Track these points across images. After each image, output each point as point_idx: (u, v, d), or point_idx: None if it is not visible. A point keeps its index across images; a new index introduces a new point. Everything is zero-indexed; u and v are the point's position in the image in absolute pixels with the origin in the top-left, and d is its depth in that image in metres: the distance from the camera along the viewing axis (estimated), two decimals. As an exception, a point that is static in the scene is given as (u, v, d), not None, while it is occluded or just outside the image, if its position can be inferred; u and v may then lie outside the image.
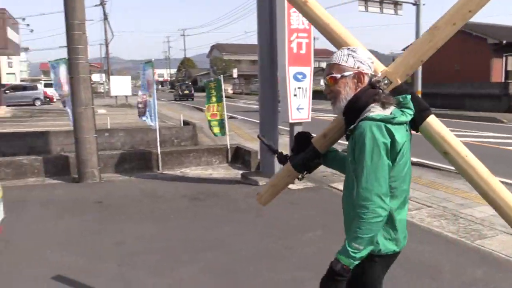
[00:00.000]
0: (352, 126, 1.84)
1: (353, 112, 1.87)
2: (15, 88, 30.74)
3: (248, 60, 61.80)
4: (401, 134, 1.80)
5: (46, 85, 32.74)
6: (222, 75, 10.77)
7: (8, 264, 4.09)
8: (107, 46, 38.57)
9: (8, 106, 24.27)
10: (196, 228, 5.14)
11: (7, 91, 28.28)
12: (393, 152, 1.78)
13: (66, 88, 8.44)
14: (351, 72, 1.87)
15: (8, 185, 7.97)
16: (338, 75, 1.88)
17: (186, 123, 13.89)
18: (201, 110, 23.70)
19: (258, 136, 2.62)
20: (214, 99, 9.73)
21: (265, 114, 7.69)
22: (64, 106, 8.83)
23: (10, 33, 20.75)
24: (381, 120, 1.77)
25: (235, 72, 51.36)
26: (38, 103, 29.25)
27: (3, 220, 4.06)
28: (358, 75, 1.88)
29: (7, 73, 54.34)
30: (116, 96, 26.90)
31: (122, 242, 4.67)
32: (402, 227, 1.93)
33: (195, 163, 9.45)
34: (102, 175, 8.22)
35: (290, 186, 6.00)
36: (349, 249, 1.74)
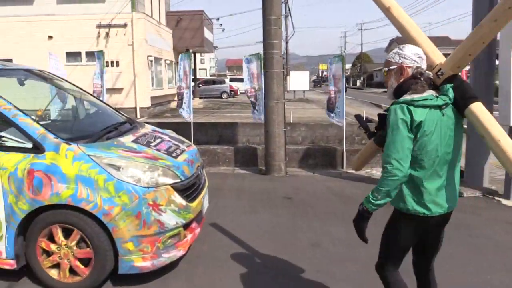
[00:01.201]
0: (387, 108, 2.29)
1: (397, 97, 2.29)
2: (206, 82, 34.35)
3: (430, 53, 56.60)
4: (422, 114, 2.16)
5: (231, 80, 35.80)
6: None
7: (210, 257, 4.20)
8: (287, 43, 40.05)
9: (200, 98, 27.17)
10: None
11: (200, 85, 31.77)
12: (412, 128, 2.16)
13: (257, 82, 8.70)
14: (395, 66, 2.31)
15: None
16: (387, 69, 2.36)
17: (368, 120, 13.19)
18: (380, 106, 22.60)
19: (355, 116, 2.97)
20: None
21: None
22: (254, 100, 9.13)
23: (206, 33, 22.98)
24: (403, 102, 2.18)
25: (414, 67, 47.69)
26: (224, 96, 32.09)
27: (206, 208, 4.18)
28: (401, 68, 2.30)
29: (200, 69, 61.70)
30: (294, 91, 27.69)
31: (317, 244, 4.42)
32: (434, 195, 2.25)
33: (381, 164, 8.79)
34: (287, 169, 8.27)
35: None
36: (370, 196, 2.24)
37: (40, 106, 4.51)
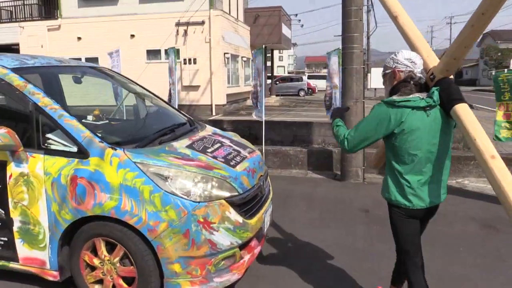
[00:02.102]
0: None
1: None
2: (284, 79, 33.94)
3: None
4: (403, 114, 2.39)
5: (309, 77, 35.03)
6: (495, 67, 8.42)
7: (271, 279, 3.68)
8: (368, 38, 38.30)
9: (277, 95, 26.80)
10: (501, 271, 3.73)
11: (277, 82, 31.43)
12: (389, 125, 2.42)
13: (336, 79, 8.02)
14: (389, 70, 2.55)
15: (273, 174, 8.17)
16: (383, 73, 2.63)
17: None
18: (471, 106, 20.54)
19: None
20: (507, 95, 7.63)
21: None
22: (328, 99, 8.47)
23: (284, 29, 22.50)
24: (386, 102, 2.45)
25: (512, 63, 43.42)
26: (302, 93, 31.46)
27: (269, 224, 3.67)
28: (394, 73, 2.52)
29: (278, 66, 61.40)
30: (375, 89, 26.27)
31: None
32: (416, 189, 2.47)
33: (475, 174, 7.67)
34: (365, 175, 7.51)
35: None
36: (332, 122, 2.84)
37: (101, 103, 4.30)
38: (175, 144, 3.24)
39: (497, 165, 2.12)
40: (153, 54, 17.60)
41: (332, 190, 6.70)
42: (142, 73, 16.25)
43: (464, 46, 2.32)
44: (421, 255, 2.69)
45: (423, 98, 2.40)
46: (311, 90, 32.66)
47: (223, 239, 2.86)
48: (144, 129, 3.64)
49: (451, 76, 2.54)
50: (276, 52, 68.74)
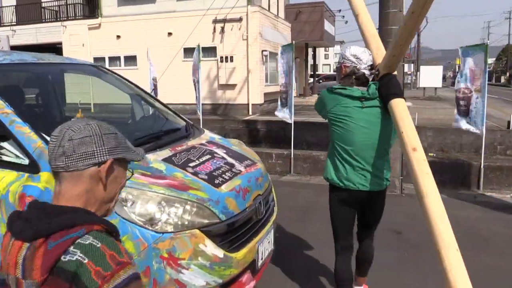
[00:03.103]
0: None
1: None
2: (327, 78, 32.87)
3: None
4: (336, 100, 2.65)
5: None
6: None
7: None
8: (418, 35, 36.45)
9: (319, 94, 25.91)
10: None
11: (320, 81, 30.46)
12: (326, 106, 2.72)
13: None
14: (339, 65, 2.76)
15: (301, 181, 7.50)
16: (335, 68, 3.04)
17: (517, 125, 10.64)
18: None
19: None
20: None
21: None
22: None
23: (326, 26, 21.61)
24: (327, 89, 2.75)
25: None
26: (345, 92, 30.28)
27: (270, 253, 3.05)
28: (341, 67, 2.73)
29: (323, 64, 59.90)
30: (424, 88, 24.75)
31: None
32: (349, 173, 2.67)
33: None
34: (404, 185, 6.68)
35: None
36: None
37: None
38: (151, 156, 2.69)
39: (417, 156, 2.19)
40: (190, 52, 17.27)
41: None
42: (179, 71, 15.98)
43: (399, 44, 2.35)
44: (349, 244, 2.90)
45: (359, 90, 2.58)
46: (356, 89, 31.32)
47: (196, 278, 2.27)
48: (127, 135, 3.11)
49: (395, 72, 2.62)
50: (321, 50, 67.24)
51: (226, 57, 16.68)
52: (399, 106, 2.40)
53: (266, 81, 17.97)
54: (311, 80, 27.52)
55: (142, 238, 2.20)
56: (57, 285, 0.95)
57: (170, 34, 17.28)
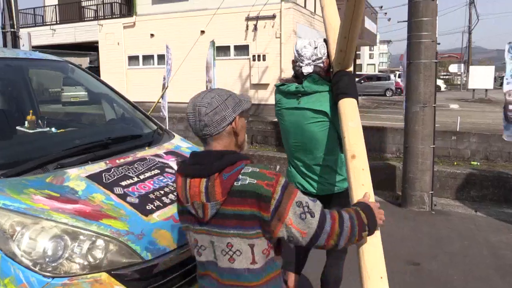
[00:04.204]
0: None
1: None
2: (369, 78, 31.54)
3: None
4: (278, 96, 2.51)
5: (400, 76, 32.12)
6: None
7: None
8: (469, 34, 34.22)
9: (359, 95, 24.80)
10: None
11: (362, 81, 29.23)
12: (276, 105, 2.57)
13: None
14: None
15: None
16: None
17: None
18: None
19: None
20: None
21: None
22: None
23: (367, 23, 20.57)
24: (276, 85, 2.57)
25: None
26: (389, 93, 28.92)
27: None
28: (292, 62, 2.53)
29: (368, 64, 57.83)
30: (473, 90, 23.03)
31: None
32: (292, 175, 2.56)
33: None
34: (435, 198, 5.85)
35: None
36: None
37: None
38: (74, 171, 2.15)
39: (355, 165, 1.99)
40: (222, 50, 16.88)
41: (390, 223, 5.15)
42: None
43: (344, 36, 2.07)
44: (291, 261, 2.70)
45: (294, 84, 2.42)
46: (399, 90, 29.83)
47: None
48: (62, 143, 2.59)
49: (350, 69, 2.30)
50: (366, 49, 64.80)
51: (259, 56, 16.12)
52: (346, 107, 2.12)
53: (301, 81, 17.26)
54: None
55: (27, 283, 1.67)
56: (237, 201, 1.37)
57: (202, 32, 16.94)
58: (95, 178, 2.13)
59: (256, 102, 16.55)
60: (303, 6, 17.44)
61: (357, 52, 25.60)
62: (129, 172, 2.26)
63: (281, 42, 15.83)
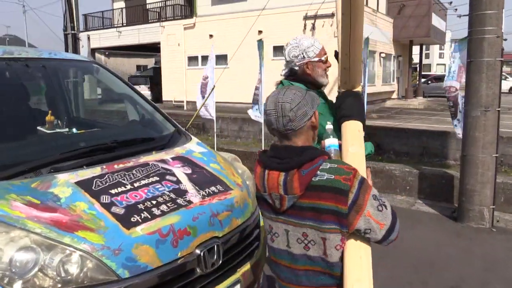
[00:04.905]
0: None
1: None
2: (438, 78, 29.75)
3: None
4: None
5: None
6: None
7: None
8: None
9: (425, 97, 23.48)
10: None
11: (429, 82, 27.68)
12: None
13: (462, 78, 5.79)
14: None
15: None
16: None
17: None
18: None
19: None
20: None
21: None
22: (452, 103, 6.21)
23: (435, 20, 19.38)
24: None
25: None
26: (458, 95, 27.08)
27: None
28: None
29: (437, 64, 54.50)
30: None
31: None
32: None
33: None
34: (497, 214, 5.23)
35: None
36: None
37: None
38: (65, 176, 2.03)
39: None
40: (279, 50, 16.64)
41: (435, 238, 4.68)
42: (268, 70, 15.43)
43: (345, 53, 1.88)
44: None
45: None
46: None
47: None
48: (67, 145, 2.50)
49: (357, 89, 2.06)
50: (436, 48, 61.12)
51: (316, 56, 15.71)
52: (347, 130, 1.88)
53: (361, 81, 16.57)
54: (417, 80, 25.09)
55: (-12, 299, 1.55)
56: (315, 196, 1.42)
57: (260, 32, 16.83)
58: (84, 184, 2.00)
59: (313, 103, 16.15)
60: (365, 3, 16.74)
61: (427, 52, 24.19)
62: (124, 179, 2.11)
63: (339, 41, 15.30)
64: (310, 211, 1.43)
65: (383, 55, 18.52)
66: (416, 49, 24.70)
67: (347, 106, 1.96)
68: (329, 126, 1.87)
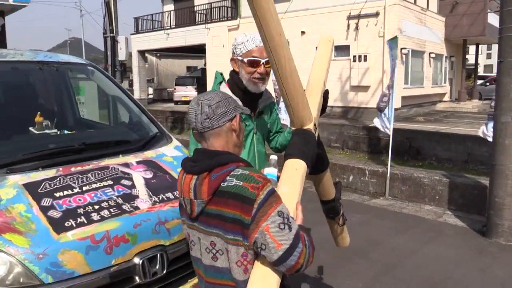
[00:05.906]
0: None
1: None
2: (495, 80, 27.95)
3: None
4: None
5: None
6: None
7: None
8: None
9: (480, 99, 22.13)
10: None
11: (487, 84, 26.06)
12: None
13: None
14: None
15: (394, 208, 6.02)
16: None
17: None
18: None
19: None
20: None
21: None
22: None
23: (491, 18, 18.21)
24: None
25: None
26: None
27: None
28: None
29: (485, 65, 50.70)
30: None
31: None
32: None
33: None
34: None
35: None
36: None
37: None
38: (16, 177, 2.05)
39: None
40: (322, 51, 16.36)
41: (451, 255, 4.33)
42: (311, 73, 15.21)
43: (280, 89, 1.72)
44: None
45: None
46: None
47: None
48: (36, 146, 2.52)
49: (308, 126, 1.86)
50: (483, 49, 56.57)
51: (360, 56, 15.24)
52: (285, 169, 1.73)
53: (406, 83, 15.87)
54: (464, 82, 23.67)
55: None
56: (221, 202, 1.34)
57: (303, 33, 16.63)
58: (31, 186, 2.00)
59: (356, 105, 15.71)
60: (413, 2, 16.04)
61: (488, 52, 22.71)
62: (74, 182, 2.10)
63: (384, 42, 14.75)
64: (217, 219, 1.36)
65: (433, 55, 17.64)
66: (472, 49, 23.29)
67: (290, 145, 1.86)
68: (274, 157, 1.86)
